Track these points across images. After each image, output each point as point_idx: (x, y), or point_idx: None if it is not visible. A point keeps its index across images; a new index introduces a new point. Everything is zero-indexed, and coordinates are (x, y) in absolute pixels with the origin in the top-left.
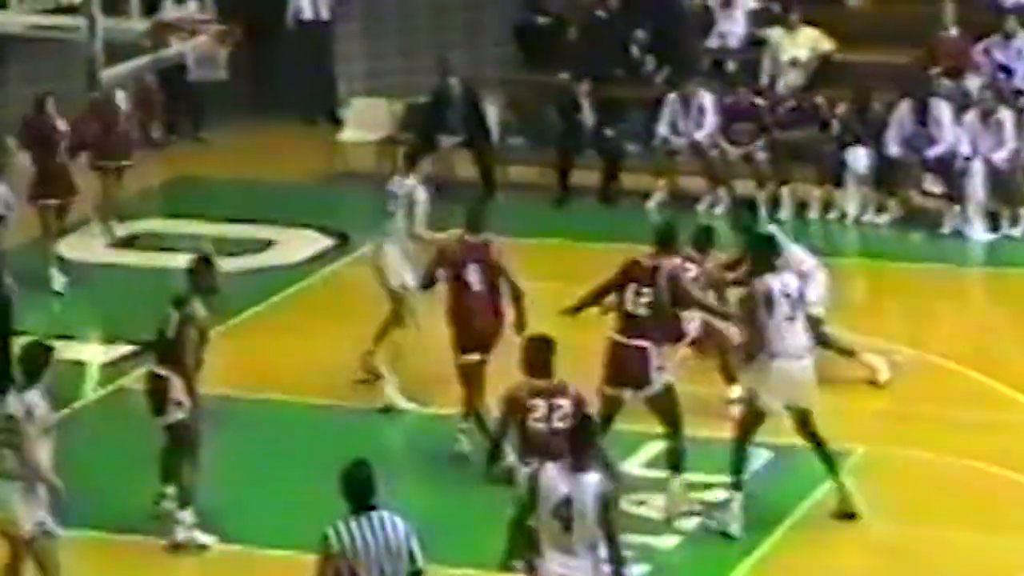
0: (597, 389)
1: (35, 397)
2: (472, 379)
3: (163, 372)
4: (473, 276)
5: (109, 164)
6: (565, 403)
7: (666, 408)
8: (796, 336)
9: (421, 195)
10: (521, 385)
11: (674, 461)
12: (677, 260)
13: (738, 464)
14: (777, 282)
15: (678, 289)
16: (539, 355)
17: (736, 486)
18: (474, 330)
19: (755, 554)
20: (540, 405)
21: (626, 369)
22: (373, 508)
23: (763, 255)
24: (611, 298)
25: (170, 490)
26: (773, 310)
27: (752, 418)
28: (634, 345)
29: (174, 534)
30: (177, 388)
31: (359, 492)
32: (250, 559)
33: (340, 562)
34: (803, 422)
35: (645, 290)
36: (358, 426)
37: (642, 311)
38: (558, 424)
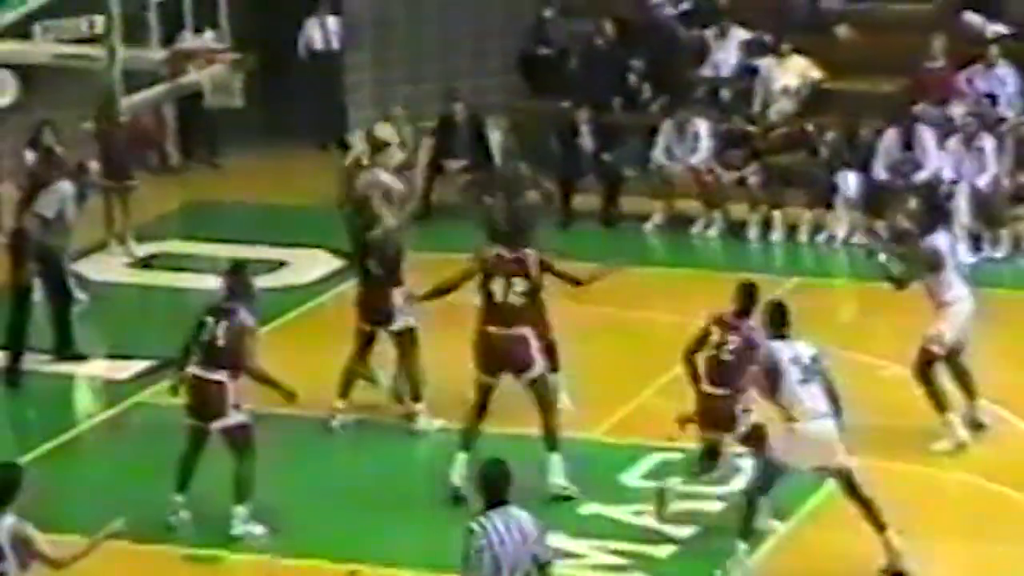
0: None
1: (14, 520)
2: None
3: (216, 376)
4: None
5: (113, 185)
6: (735, 339)
7: (541, 392)
8: (813, 398)
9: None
10: (713, 313)
11: (552, 443)
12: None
13: (748, 520)
14: (787, 350)
15: (551, 271)
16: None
17: (744, 536)
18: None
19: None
20: (716, 333)
21: (510, 356)
22: (505, 503)
23: (773, 321)
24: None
25: (180, 498)
26: (782, 378)
27: (768, 477)
28: (515, 334)
29: (231, 528)
30: (234, 392)
31: (493, 488)
32: (258, 567)
33: (486, 553)
34: (847, 484)
35: (516, 280)
36: (368, 441)
37: (517, 300)
38: (725, 356)
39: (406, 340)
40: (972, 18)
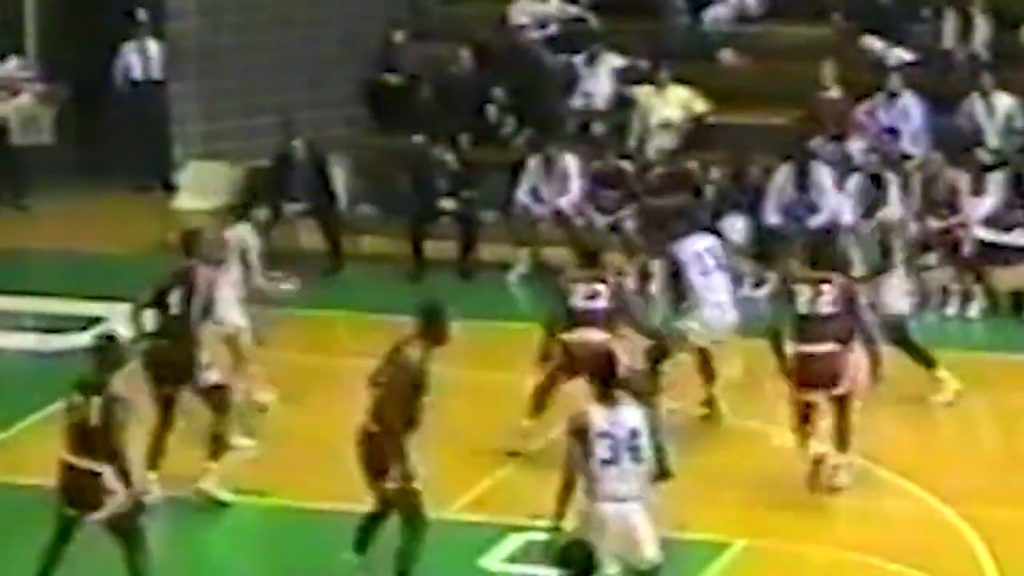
0: None
1: None
2: None
3: (89, 466)
4: None
5: None
6: (829, 289)
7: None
8: (618, 477)
9: (252, 241)
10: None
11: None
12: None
13: None
14: (602, 417)
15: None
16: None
17: None
18: None
19: None
20: (806, 291)
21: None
22: None
23: (596, 382)
24: None
25: None
26: (590, 449)
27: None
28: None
29: None
30: (110, 478)
31: (577, 570)
32: None
33: None
34: None
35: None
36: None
37: None
38: (825, 309)
39: (213, 397)
40: (873, 43)
